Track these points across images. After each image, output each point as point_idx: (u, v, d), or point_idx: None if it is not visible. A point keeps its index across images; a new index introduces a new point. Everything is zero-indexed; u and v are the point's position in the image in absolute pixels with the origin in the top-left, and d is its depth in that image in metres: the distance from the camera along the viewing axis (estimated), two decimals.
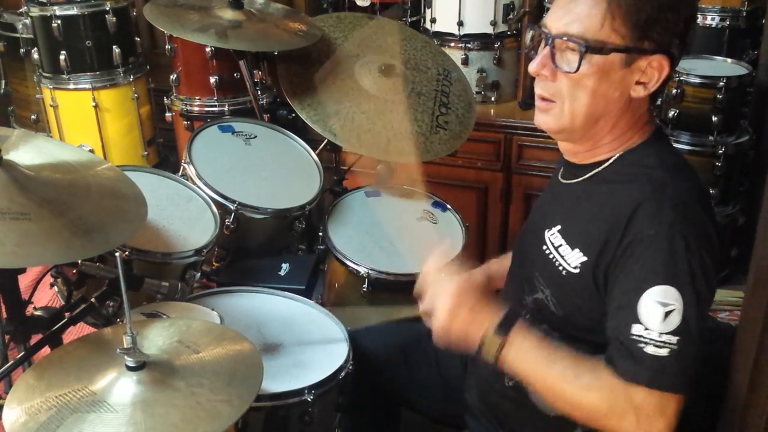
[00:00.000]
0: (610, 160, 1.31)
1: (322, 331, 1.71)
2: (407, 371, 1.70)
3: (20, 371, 1.36)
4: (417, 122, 2.21)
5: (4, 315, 1.48)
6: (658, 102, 2.52)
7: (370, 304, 1.94)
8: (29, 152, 1.47)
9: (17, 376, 1.28)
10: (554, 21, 1.24)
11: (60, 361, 1.26)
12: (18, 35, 3.23)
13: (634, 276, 1.20)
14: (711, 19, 2.67)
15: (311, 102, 2.16)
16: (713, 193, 2.36)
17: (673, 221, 1.18)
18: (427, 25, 2.95)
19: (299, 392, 1.49)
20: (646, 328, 1.18)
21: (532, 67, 1.27)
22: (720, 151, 2.32)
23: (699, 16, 2.68)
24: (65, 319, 1.50)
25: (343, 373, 1.57)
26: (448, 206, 2.22)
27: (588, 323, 1.31)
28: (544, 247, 1.37)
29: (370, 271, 1.94)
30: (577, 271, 1.29)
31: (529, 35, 1.35)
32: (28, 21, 3.07)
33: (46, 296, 2.23)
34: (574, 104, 1.25)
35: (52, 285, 1.84)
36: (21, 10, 3.14)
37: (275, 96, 2.73)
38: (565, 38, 1.22)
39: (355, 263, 1.96)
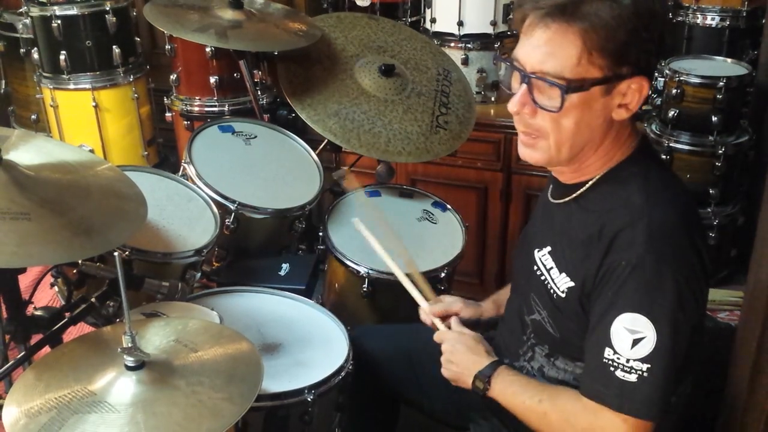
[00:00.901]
0: (595, 179, 1.30)
1: (322, 331, 1.71)
2: (411, 371, 1.70)
3: (20, 371, 1.36)
4: (417, 122, 2.21)
5: (5, 315, 1.48)
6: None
7: (370, 304, 1.94)
8: (29, 152, 1.47)
9: (17, 375, 1.28)
10: (527, 57, 1.19)
11: (59, 360, 1.26)
12: (18, 35, 3.23)
13: (608, 301, 1.21)
14: (711, 19, 2.67)
15: (311, 102, 2.16)
16: (713, 193, 2.35)
17: (646, 250, 1.17)
18: (427, 25, 2.94)
19: (299, 392, 1.49)
20: (615, 352, 1.19)
21: (512, 107, 1.22)
22: (720, 151, 2.32)
23: (699, 15, 2.69)
24: (65, 319, 1.50)
25: (343, 373, 1.57)
26: (448, 206, 2.23)
27: (582, 344, 1.31)
28: (535, 268, 1.38)
29: (370, 271, 1.94)
30: (564, 295, 1.30)
31: (502, 68, 1.31)
32: (28, 21, 3.07)
33: (47, 296, 2.23)
34: (559, 137, 1.22)
35: (52, 285, 1.84)
36: (21, 10, 3.13)
37: (275, 96, 2.73)
38: (543, 78, 1.17)
39: (355, 263, 1.96)
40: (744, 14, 2.62)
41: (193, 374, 1.21)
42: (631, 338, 1.18)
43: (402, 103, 2.24)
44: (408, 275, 1.68)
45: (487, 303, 1.72)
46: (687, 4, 2.71)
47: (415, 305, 1.68)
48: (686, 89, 2.34)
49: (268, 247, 2.13)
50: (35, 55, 3.04)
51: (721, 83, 2.28)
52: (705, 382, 1.76)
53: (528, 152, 1.28)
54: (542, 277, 1.35)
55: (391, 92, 2.25)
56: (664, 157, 2.37)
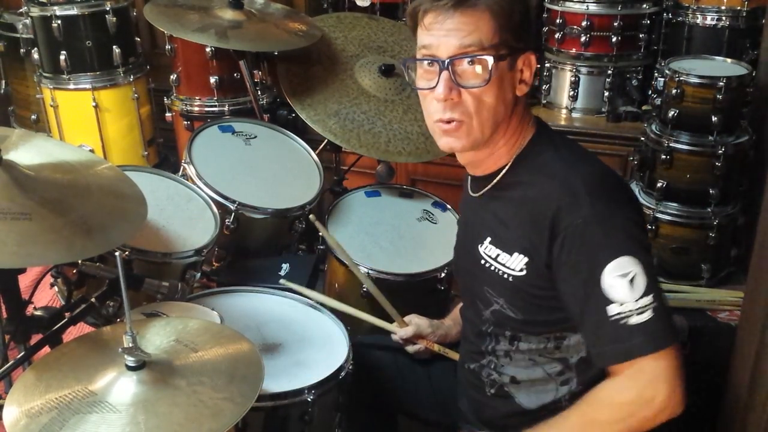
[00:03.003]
0: (509, 164, 1.37)
1: (322, 331, 1.71)
2: (401, 381, 1.72)
3: (20, 371, 1.36)
4: (417, 122, 2.21)
5: (5, 315, 1.48)
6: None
7: (370, 304, 1.93)
8: (29, 152, 1.47)
9: (17, 376, 1.28)
10: (441, 44, 1.26)
11: (59, 360, 1.26)
12: (18, 35, 3.23)
13: (585, 266, 1.24)
14: (710, 19, 2.67)
15: (311, 102, 2.16)
16: (713, 193, 2.35)
17: (592, 202, 1.23)
18: None
19: (299, 392, 1.49)
20: (622, 304, 1.21)
21: (440, 94, 1.27)
22: (720, 151, 2.31)
23: (699, 15, 2.69)
24: (65, 319, 1.50)
25: (343, 373, 1.57)
26: (448, 206, 2.23)
27: (549, 318, 1.35)
28: (483, 262, 1.40)
29: (370, 271, 1.94)
30: (523, 273, 1.33)
31: (411, 70, 1.37)
32: (28, 21, 3.07)
33: (46, 296, 2.22)
34: (482, 115, 1.29)
35: (52, 285, 1.84)
36: (21, 10, 3.13)
37: (275, 96, 2.73)
38: (467, 55, 1.25)
39: (355, 263, 1.96)
40: (744, 14, 2.62)
41: (194, 374, 1.21)
42: (627, 281, 1.20)
43: (402, 103, 2.24)
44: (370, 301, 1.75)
45: (447, 321, 1.76)
46: (687, 4, 2.71)
47: (415, 306, 1.69)
48: (686, 89, 2.33)
49: (268, 247, 2.13)
50: (35, 55, 3.03)
51: (721, 83, 2.28)
52: (705, 383, 1.76)
53: (452, 140, 1.33)
54: (492, 267, 1.38)
55: (391, 92, 2.25)
56: (664, 157, 2.37)
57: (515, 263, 1.33)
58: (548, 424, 1.34)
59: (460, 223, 1.60)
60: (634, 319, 1.20)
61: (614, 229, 1.22)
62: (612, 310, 1.21)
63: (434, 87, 1.28)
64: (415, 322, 1.72)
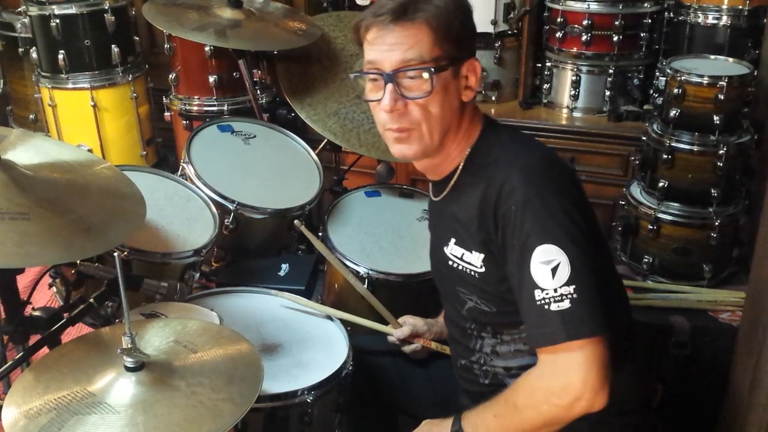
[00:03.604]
0: (461, 165, 1.42)
1: (321, 331, 1.71)
2: (401, 381, 1.73)
3: (18, 372, 1.35)
4: None
5: (3, 315, 1.48)
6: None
7: (370, 304, 1.93)
8: (28, 152, 1.46)
9: (16, 376, 1.27)
10: (385, 58, 1.32)
11: (58, 361, 1.25)
12: (16, 34, 3.22)
13: (518, 249, 1.28)
14: (712, 18, 2.66)
15: (311, 101, 2.15)
16: (714, 193, 2.35)
17: (525, 189, 1.27)
18: None
19: (299, 393, 1.49)
20: (543, 290, 1.24)
21: (385, 106, 1.32)
22: (721, 151, 2.31)
23: (700, 15, 2.68)
24: (64, 320, 1.49)
25: (343, 374, 1.57)
26: None
27: (517, 307, 1.36)
28: (450, 263, 1.44)
29: (370, 271, 1.94)
30: (483, 269, 1.37)
31: (359, 81, 1.43)
32: (26, 20, 3.06)
33: (45, 297, 2.22)
34: (430, 123, 1.34)
35: (50, 285, 1.83)
36: (20, 9, 3.12)
37: (275, 95, 2.73)
38: (409, 69, 1.30)
39: (355, 263, 1.96)
40: (745, 13, 2.61)
41: (193, 375, 1.21)
42: (549, 269, 1.24)
43: None
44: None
45: (441, 319, 1.76)
46: (688, 4, 2.70)
47: (414, 306, 1.68)
48: (687, 89, 2.33)
49: (267, 247, 2.12)
50: (34, 55, 3.02)
51: (723, 83, 2.27)
52: (706, 383, 1.76)
53: (404, 147, 1.38)
54: (459, 267, 1.42)
55: None
56: (665, 156, 2.36)
57: (476, 260, 1.38)
58: (484, 405, 1.37)
59: (430, 227, 1.64)
60: (554, 306, 1.23)
61: (543, 216, 1.25)
62: (537, 294, 1.25)
63: (381, 99, 1.33)
64: (410, 322, 1.75)
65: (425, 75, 1.30)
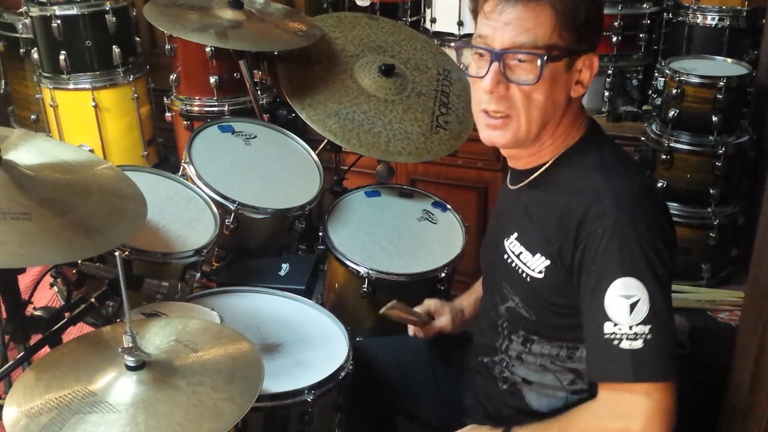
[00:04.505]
0: (550, 162, 1.34)
1: (322, 331, 1.71)
2: (404, 382, 1.71)
3: (20, 371, 1.36)
4: (417, 122, 2.21)
5: (4, 315, 1.48)
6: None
7: (370, 304, 1.93)
8: (29, 152, 1.46)
9: (17, 376, 1.28)
10: (497, 35, 1.23)
11: (59, 361, 1.26)
12: (18, 35, 3.22)
13: (594, 276, 1.21)
14: (711, 19, 2.67)
15: (311, 102, 2.16)
16: (713, 193, 2.35)
17: (617, 215, 1.20)
18: (427, 25, 2.94)
19: (299, 392, 1.49)
20: (616, 324, 1.19)
21: (486, 86, 1.24)
22: (720, 151, 2.31)
23: (699, 15, 2.69)
24: (65, 320, 1.50)
25: (343, 373, 1.57)
26: (448, 206, 2.22)
27: (562, 322, 1.33)
28: (506, 256, 1.39)
29: (370, 271, 1.94)
30: (542, 276, 1.31)
31: (465, 53, 1.33)
32: (27, 21, 3.07)
33: (46, 296, 2.22)
34: (530, 114, 1.26)
35: (51, 285, 1.84)
36: (21, 10, 3.13)
37: (275, 96, 2.73)
38: (519, 51, 1.22)
39: (355, 263, 1.96)
40: (744, 14, 2.62)
41: (194, 374, 1.21)
42: (628, 303, 1.18)
43: (402, 103, 2.24)
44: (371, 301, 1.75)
45: (466, 300, 1.74)
46: (687, 4, 2.71)
47: (415, 306, 1.69)
48: (686, 89, 2.33)
49: (268, 247, 2.12)
50: (35, 55, 3.03)
51: (722, 83, 2.28)
52: (706, 383, 1.76)
53: (496, 134, 1.29)
54: (513, 264, 1.37)
55: (391, 92, 2.25)
56: (664, 157, 2.37)
57: (536, 264, 1.32)
58: (534, 426, 1.32)
59: (494, 212, 1.58)
60: (625, 344, 1.18)
61: (631, 248, 1.19)
62: (607, 328, 1.19)
63: (483, 77, 1.25)
64: (427, 303, 1.72)
65: (536, 61, 1.20)
